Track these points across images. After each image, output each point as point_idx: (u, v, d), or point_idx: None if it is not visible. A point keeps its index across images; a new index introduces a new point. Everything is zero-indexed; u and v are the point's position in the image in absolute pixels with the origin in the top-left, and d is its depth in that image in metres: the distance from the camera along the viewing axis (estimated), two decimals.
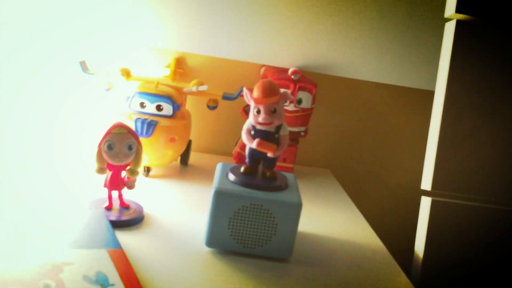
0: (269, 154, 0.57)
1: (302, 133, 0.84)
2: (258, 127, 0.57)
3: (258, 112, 0.56)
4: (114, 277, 0.45)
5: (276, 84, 0.57)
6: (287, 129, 0.58)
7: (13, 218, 0.53)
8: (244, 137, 0.58)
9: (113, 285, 0.43)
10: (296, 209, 0.56)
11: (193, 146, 0.90)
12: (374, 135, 0.96)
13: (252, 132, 0.57)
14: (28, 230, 0.50)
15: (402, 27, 0.82)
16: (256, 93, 0.56)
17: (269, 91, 0.55)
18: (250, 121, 0.57)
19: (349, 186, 0.93)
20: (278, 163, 0.85)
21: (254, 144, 0.57)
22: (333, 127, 0.95)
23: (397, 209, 0.98)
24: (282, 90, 0.78)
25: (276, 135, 0.57)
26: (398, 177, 0.98)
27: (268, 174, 0.59)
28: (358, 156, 0.97)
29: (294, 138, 0.84)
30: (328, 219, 0.72)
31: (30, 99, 0.84)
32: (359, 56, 0.82)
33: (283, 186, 0.58)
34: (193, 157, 0.88)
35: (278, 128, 0.57)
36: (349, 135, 0.96)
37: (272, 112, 0.55)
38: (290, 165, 0.85)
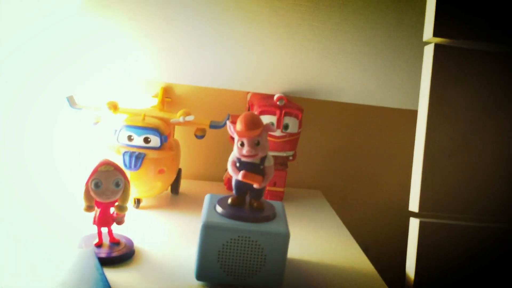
0: (255, 186, 0.58)
1: (291, 157, 0.85)
2: (243, 159, 0.57)
3: (242, 144, 0.57)
4: None
5: (258, 117, 0.58)
6: (271, 160, 0.59)
7: (11, 268, 0.54)
8: (230, 169, 0.59)
9: None
10: (284, 239, 0.56)
11: (184, 173, 0.90)
12: (363, 155, 0.97)
13: (238, 164, 0.58)
14: (18, 272, 0.51)
15: (383, 50, 0.83)
16: (239, 126, 0.56)
17: (252, 124, 0.56)
18: (235, 153, 0.58)
19: (340, 206, 0.93)
20: (269, 188, 0.85)
21: (239, 176, 0.57)
22: (322, 149, 0.96)
23: (388, 228, 0.99)
24: (265, 119, 0.80)
25: (261, 166, 0.58)
26: (388, 196, 0.99)
27: (255, 205, 0.59)
28: (348, 176, 0.98)
29: (283, 162, 0.85)
30: (319, 243, 0.73)
31: (13, 134, 0.84)
32: (342, 80, 0.83)
33: (270, 217, 0.59)
34: (184, 185, 0.89)
35: (263, 159, 0.58)
36: (338, 156, 0.97)
37: (255, 144, 0.56)
38: (281, 189, 0.86)
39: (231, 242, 0.56)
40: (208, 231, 0.56)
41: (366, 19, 0.82)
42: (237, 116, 0.85)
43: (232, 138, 0.58)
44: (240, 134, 0.56)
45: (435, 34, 0.67)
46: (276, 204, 0.63)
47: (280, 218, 0.59)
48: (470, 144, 0.69)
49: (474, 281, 0.70)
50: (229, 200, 0.60)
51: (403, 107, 0.85)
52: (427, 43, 0.69)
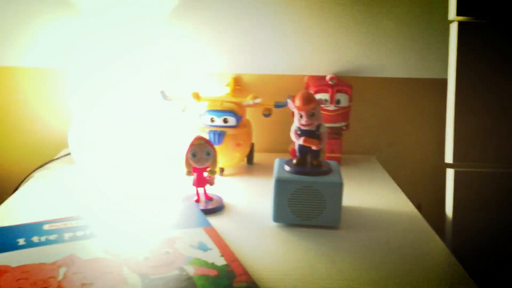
0: (314, 147, 0.74)
1: (344, 128, 1.00)
2: (302, 128, 0.74)
3: (301, 116, 0.73)
4: (211, 244, 0.64)
5: (312, 93, 0.74)
6: (325, 127, 0.75)
7: (138, 214, 0.74)
8: (293, 136, 0.76)
9: (211, 249, 0.62)
10: (338, 187, 0.72)
11: (256, 147, 1.08)
12: (407, 121, 1.10)
13: (299, 132, 0.75)
14: (148, 220, 0.71)
15: (418, 29, 0.96)
16: (297, 102, 0.73)
17: (307, 100, 0.72)
18: (296, 124, 0.75)
19: (392, 169, 1.07)
20: (327, 154, 1.01)
21: (301, 141, 0.74)
22: (372, 119, 1.10)
23: (438, 186, 1.11)
24: (320, 97, 0.96)
25: (317, 132, 0.74)
26: (433, 155, 1.11)
27: (315, 163, 0.76)
28: (397, 141, 1.11)
29: (338, 132, 1.00)
30: (371, 195, 0.88)
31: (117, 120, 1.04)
32: (384, 58, 0.97)
33: (327, 171, 0.75)
34: (257, 157, 1.07)
35: (318, 126, 0.74)
36: (386, 124, 1.10)
37: (311, 115, 0.72)
38: (338, 155, 1.01)
39: (297, 191, 0.73)
40: (280, 184, 0.73)
41: (401, 4, 0.95)
42: (293, 100, 1.02)
43: (293, 114, 0.75)
44: (299, 108, 0.73)
45: (458, 13, 0.80)
46: (332, 162, 0.79)
47: (335, 172, 0.75)
48: (494, 101, 0.81)
49: (507, 222, 0.82)
50: (294, 161, 0.77)
51: (437, 76, 0.98)
52: (452, 21, 0.82)
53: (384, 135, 1.11)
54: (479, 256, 0.81)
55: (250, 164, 1.03)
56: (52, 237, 0.64)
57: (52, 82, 1.06)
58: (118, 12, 0.98)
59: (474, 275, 0.64)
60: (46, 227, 0.67)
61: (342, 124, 0.99)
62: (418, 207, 1.14)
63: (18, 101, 1.07)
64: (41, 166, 0.96)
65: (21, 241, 0.63)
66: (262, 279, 0.59)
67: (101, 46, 1.00)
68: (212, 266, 0.58)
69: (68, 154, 1.00)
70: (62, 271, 0.56)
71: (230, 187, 0.91)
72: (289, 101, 0.74)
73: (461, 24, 0.80)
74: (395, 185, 0.93)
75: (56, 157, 1.01)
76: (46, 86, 1.06)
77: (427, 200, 1.13)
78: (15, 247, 0.61)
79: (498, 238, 0.82)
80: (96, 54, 1.01)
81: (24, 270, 0.56)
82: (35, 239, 0.64)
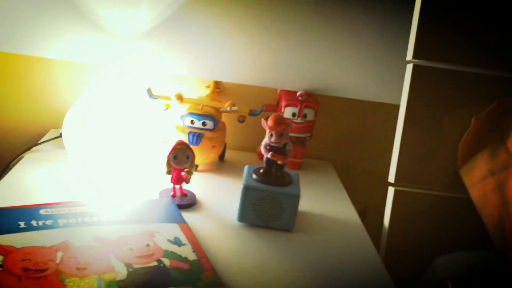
0: (279, 162, 0.86)
1: (308, 138, 1.13)
2: (272, 144, 0.86)
3: (271, 135, 0.85)
4: (184, 240, 0.75)
5: (283, 117, 0.86)
6: (291, 145, 0.87)
7: (123, 206, 0.85)
8: (263, 150, 0.88)
9: (185, 244, 0.74)
10: (295, 198, 0.85)
11: (228, 145, 1.19)
12: (362, 135, 1.24)
13: (268, 147, 0.87)
14: (131, 212, 0.82)
15: (379, 59, 1.09)
16: (270, 123, 0.84)
17: (278, 122, 0.84)
18: (266, 140, 0.86)
19: (345, 175, 1.21)
20: (290, 159, 1.13)
21: (269, 155, 0.86)
22: (332, 130, 1.23)
23: (383, 194, 1.26)
24: (290, 110, 1.07)
25: (284, 149, 0.86)
26: (380, 168, 1.25)
27: (278, 174, 0.88)
28: (353, 151, 1.25)
29: (302, 141, 1.13)
30: (324, 201, 1.01)
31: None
32: (347, 81, 1.10)
33: (288, 182, 0.87)
34: (228, 153, 1.18)
35: (285, 144, 0.86)
36: (344, 136, 1.24)
37: (280, 135, 0.84)
38: (299, 160, 1.14)
39: (261, 198, 0.85)
40: (247, 191, 0.85)
41: (369, 36, 1.08)
42: (270, 105, 1.13)
43: (266, 121, 0.86)
44: (270, 128, 0.84)
45: (415, 56, 0.92)
46: (293, 174, 0.92)
47: (295, 184, 0.88)
48: (435, 135, 0.94)
49: (437, 237, 0.97)
50: (261, 170, 0.89)
51: (393, 102, 1.11)
52: (409, 62, 0.94)
53: (341, 145, 1.25)
54: (407, 266, 0.96)
55: (221, 160, 1.14)
56: (48, 222, 0.75)
57: (35, 69, 1.14)
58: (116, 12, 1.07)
59: (400, 283, 0.78)
60: (42, 212, 0.77)
61: (307, 135, 1.12)
62: (364, 210, 1.30)
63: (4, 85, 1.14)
64: (30, 148, 1.05)
65: (22, 224, 0.73)
66: (224, 273, 0.72)
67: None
68: (185, 260, 0.70)
69: (57, 137, 1.08)
70: (59, 255, 0.67)
71: (202, 182, 1.02)
72: (263, 120, 0.86)
73: (416, 68, 0.93)
74: (345, 192, 1.07)
75: (44, 139, 1.10)
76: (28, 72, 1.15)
77: (372, 207, 1.27)
78: (17, 229, 0.72)
79: (426, 255, 0.96)
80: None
81: (27, 252, 0.67)
82: (33, 223, 0.74)
